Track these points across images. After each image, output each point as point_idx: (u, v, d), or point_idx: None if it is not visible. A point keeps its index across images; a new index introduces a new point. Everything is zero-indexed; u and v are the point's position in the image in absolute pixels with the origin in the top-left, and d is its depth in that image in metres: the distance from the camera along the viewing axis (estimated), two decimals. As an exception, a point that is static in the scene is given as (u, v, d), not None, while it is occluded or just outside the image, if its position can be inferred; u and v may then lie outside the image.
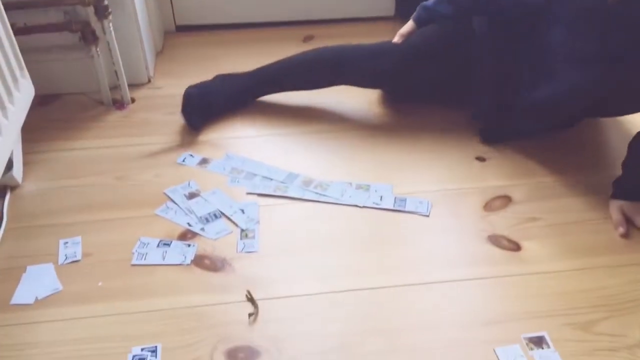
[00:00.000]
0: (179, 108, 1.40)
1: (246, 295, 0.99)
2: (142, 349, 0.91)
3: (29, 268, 1.03)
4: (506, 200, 1.16)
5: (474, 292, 0.99)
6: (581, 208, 1.15)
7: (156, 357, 0.90)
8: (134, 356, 0.90)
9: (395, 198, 1.17)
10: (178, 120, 1.38)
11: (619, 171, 1.15)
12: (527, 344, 0.91)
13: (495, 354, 0.90)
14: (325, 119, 1.39)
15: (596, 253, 1.06)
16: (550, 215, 1.13)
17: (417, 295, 0.99)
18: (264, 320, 0.95)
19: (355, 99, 1.44)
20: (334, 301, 0.98)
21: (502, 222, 1.12)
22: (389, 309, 0.97)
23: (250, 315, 0.95)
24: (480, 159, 1.27)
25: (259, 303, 0.97)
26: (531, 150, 1.28)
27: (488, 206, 1.15)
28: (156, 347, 0.91)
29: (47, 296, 0.99)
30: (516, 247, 1.07)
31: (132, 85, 1.48)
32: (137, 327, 0.94)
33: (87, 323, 0.95)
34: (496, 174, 1.23)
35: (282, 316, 0.96)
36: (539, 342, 0.91)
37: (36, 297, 0.98)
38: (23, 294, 0.99)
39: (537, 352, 0.90)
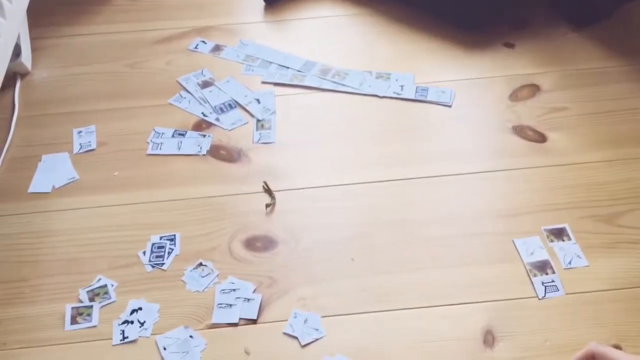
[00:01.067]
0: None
1: (263, 186, 0.98)
2: (160, 237, 0.92)
3: (44, 157, 1.02)
4: (534, 89, 1.11)
5: (495, 185, 0.97)
6: (614, 97, 1.10)
7: (175, 245, 0.91)
8: (153, 244, 0.91)
9: (416, 87, 1.12)
10: (189, 3, 1.31)
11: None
12: (547, 236, 0.90)
13: (514, 245, 0.89)
14: (344, 3, 1.31)
15: (625, 144, 1.02)
16: (580, 104, 1.08)
17: (437, 188, 0.97)
18: (281, 211, 0.95)
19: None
20: (351, 192, 0.97)
21: (529, 112, 1.07)
22: (408, 201, 0.96)
23: (267, 205, 0.95)
24: (509, 45, 1.20)
25: (276, 194, 0.97)
26: (563, 37, 1.21)
27: (514, 95, 1.10)
28: (175, 235, 0.92)
29: (64, 185, 0.99)
30: (542, 138, 1.03)
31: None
32: (155, 216, 0.95)
33: (105, 212, 0.95)
34: (525, 61, 1.16)
35: (299, 207, 0.95)
36: (559, 234, 0.90)
37: (53, 186, 0.99)
38: (40, 182, 0.99)
39: (557, 244, 0.89)
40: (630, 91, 1.11)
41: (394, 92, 1.12)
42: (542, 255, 0.88)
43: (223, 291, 0.86)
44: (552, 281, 0.86)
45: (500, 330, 0.81)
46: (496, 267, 0.88)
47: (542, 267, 0.87)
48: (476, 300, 0.84)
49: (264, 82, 1.15)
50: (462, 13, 1.22)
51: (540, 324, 0.82)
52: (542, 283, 0.86)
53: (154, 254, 0.90)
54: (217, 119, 1.08)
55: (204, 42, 1.23)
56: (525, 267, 0.87)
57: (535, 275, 0.86)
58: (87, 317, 0.83)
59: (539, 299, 0.84)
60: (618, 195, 0.95)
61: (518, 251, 0.89)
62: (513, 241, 0.90)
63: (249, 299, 0.85)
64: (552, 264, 0.87)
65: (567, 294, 0.84)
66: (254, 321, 0.83)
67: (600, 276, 0.86)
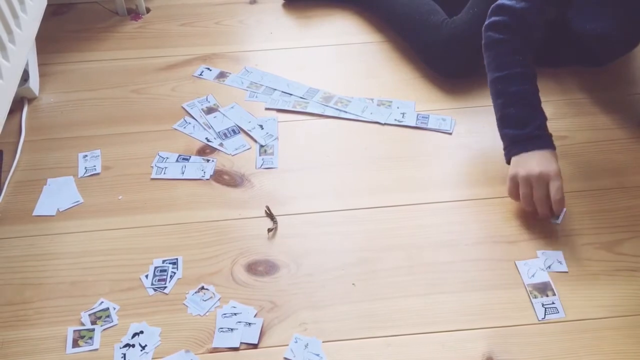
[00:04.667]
0: (195, 19, 1.36)
1: (265, 211, 0.99)
2: (163, 261, 0.92)
3: (49, 180, 1.04)
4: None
5: (495, 211, 0.98)
6: (612, 125, 1.11)
7: (177, 268, 0.91)
8: (155, 267, 0.91)
9: (417, 115, 1.14)
10: (194, 31, 1.34)
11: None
12: (544, 261, 0.91)
13: (516, 266, 0.90)
14: (347, 32, 1.34)
15: (624, 172, 1.03)
16: (579, 133, 1.10)
17: (438, 214, 0.98)
18: (283, 236, 0.96)
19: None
20: (352, 218, 0.98)
21: (528, 141, 1.08)
22: (409, 226, 0.97)
23: (269, 230, 0.96)
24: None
25: (278, 219, 0.97)
26: (562, 69, 1.23)
27: (514, 124, 1.12)
28: (177, 259, 0.92)
29: (69, 208, 1.00)
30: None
31: (147, -5, 1.43)
32: (158, 239, 0.95)
33: (109, 235, 0.96)
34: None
35: (301, 232, 0.96)
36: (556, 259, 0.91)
37: (58, 209, 1.00)
38: (45, 205, 1.00)
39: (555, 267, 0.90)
40: (628, 119, 1.12)
41: (396, 120, 1.13)
42: (542, 277, 0.89)
43: (224, 315, 0.86)
44: (552, 303, 0.86)
45: (500, 356, 0.81)
46: (496, 292, 0.88)
47: (543, 288, 0.88)
48: (476, 326, 0.84)
49: (267, 109, 1.16)
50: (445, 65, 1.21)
51: (540, 351, 0.82)
52: (542, 305, 0.86)
53: (157, 278, 0.90)
54: (221, 144, 1.10)
55: (208, 69, 1.25)
56: (526, 289, 0.88)
57: (535, 297, 0.87)
58: (88, 341, 0.83)
59: (539, 321, 0.84)
60: (618, 223, 0.96)
61: (519, 273, 0.89)
62: (515, 263, 0.91)
63: (250, 323, 0.85)
64: (553, 286, 0.88)
65: (567, 320, 0.85)
66: (255, 346, 0.83)
67: (600, 303, 0.86)
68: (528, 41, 0.99)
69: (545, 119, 0.97)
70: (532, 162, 0.92)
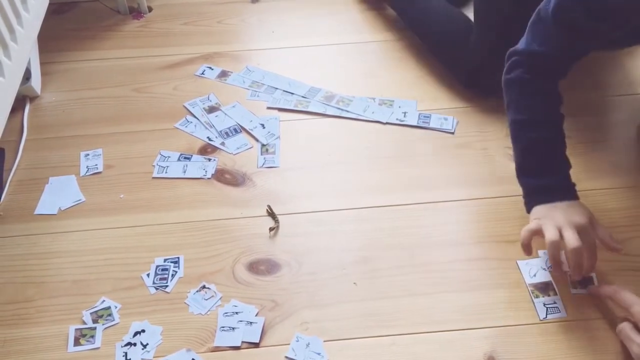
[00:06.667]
0: (197, 18, 1.36)
1: (267, 210, 0.99)
2: (164, 260, 0.92)
3: (51, 179, 1.04)
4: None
5: (497, 210, 0.98)
6: (613, 126, 1.11)
7: (179, 267, 0.91)
8: (157, 266, 0.92)
9: (419, 114, 1.14)
10: (196, 30, 1.34)
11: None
12: (546, 261, 0.90)
13: (518, 266, 0.90)
14: (349, 32, 1.33)
15: (625, 172, 1.03)
16: (580, 133, 1.09)
17: (439, 213, 0.98)
18: (284, 235, 0.96)
19: (380, 12, 1.37)
20: (354, 217, 0.98)
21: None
22: (411, 226, 0.97)
23: (271, 229, 0.96)
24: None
25: (280, 218, 0.97)
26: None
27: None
28: (178, 258, 0.93)
29: (70, 207, 1.00)
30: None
31: (149, -6, 1.43)
32: (160, 238, 0.95)
33: (111, 234, 0.96)
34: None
35: (303, 231, 0.96)
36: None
37: (59, 208, 1.00)
38: (47, 204, 1.00)
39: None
40: (630, 119, 1.12)
41: (397, 119, 1.13)
42: (544, 277, 0.89)
43: (226, 314, 0.86)
44: (554, 303, 0.86)
45: (502, 356, 0.81)
46: (498, 292, 0.88)
47: (544, 288, 0.88)
48: (478, 325, 0.84)
49: (269, 108, 1.16)
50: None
51: (542, 350, 0.82)
52: (544, 304, 0.86)
53: (158, 277, 0.90)
54: (223, 143, 1.10)
55: (210, 68, 1.25)
56: (528, 289, 0.88)
57: (537, 297, 0.87)
58: (90, 339, 0.84)
59: (541, 320, 0.84)
60: (620, 223, 0.96)
61: (521, 272, 0.89)
62: (516, 262, 0.90)
63: (251, 322, 0.85)
64: (554, 285, 0.88)
65: (569, 320, 0.85)
66: (256, 345, 0.83)
67: (602, 303, 0.86)
68: (552, 82, 0.91)
69: (570, 167, 0.89)
70: (558, 214, 0.84)
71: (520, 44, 0.92)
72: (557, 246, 0.82)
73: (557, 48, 0.88)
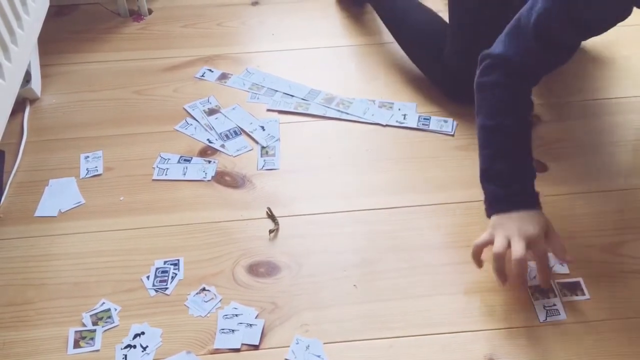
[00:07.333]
0: (197, 20, 1.36)
1: (267, 212, 0.99)
2: (164, 262, 0.92)
3: (51, 181, 1.04)
4: (534, 119, 1.13)
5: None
6: (612, 128, 1.11)
7: (179, 270, 0.91)
8: (156, 269, 0.91)
9: (419, 117, 1.14)
10: (196, 32, 1.34)
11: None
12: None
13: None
14: (349, 34, 1.34)
15: (624, 174, 1.03)
16: (579, 135, 1.10)
17: (439, 215, 0.98)
18: (284, 237, 0.96)
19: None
20: (354, 219, 0.98)
21: (529, 143, 1.09)
22: (410, 228, 0.97)
23: (270, 231, 0.96)
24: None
25: (280, 220, 0.97)
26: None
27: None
28: (178, 260, 0.92)
29: (70, 209, 1.00)
30: (543, 167, 1.04)
31: (149, -4, 1.43)
32: (160, 241, 0.95)
33: (111, 236, 0.96)
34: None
35: (303, 233, 0.96)
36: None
37: (59, 210, 1.00)
38: (47, 206, 1.00)
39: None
40: (629, 121, 1.12)
41: (397, 121, 1.13)
42: (544, 280, 0.89)
43: (226, 316, 0.86)
44: (554, 305, 0.86)
45: (502, 358, 0.81)
46: (497, 294, 0.88)
47: (544, 290, 0.88)
48: (478, 328, 0.84)
49: (269, 110, 1.16)
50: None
51: (541, 353, 0.82)
52: (544, 307, 0.86)
53: (158, 279, 0.90)
54: (223, 146, 1.10)
55: (210, 70, 1.25)
56: (528, 291, 0.87)
57: (537, 299, 0.87)
58: (90, 341, 0.83)
59: (541, 323, 0.84)
60: (620, 225, 0.96)
61: (521, 275, 0.89)
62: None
63: (251, 325, 0.85)
64: (554, 287, 0.88)
65: (568, 322, 0.84)
66: (256, 347, 0.83)
67: (602, 305, 0.86)
68: (525, 88, 0.90)
69: (533, 176, 0.88)
70: (511, 224, 0.84)
71: (496, 48, 0.90)
72: (501, 258, 0.82)
73: (534, 59, 0.88)
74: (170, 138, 1.11)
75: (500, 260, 0.83)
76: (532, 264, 0.90)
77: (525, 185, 0.87)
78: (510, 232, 0.83)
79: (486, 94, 0.90)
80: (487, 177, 0.89)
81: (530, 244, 0.82)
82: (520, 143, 0.89)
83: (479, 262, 0.87)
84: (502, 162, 0.87)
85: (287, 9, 1.40)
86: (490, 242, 0.84)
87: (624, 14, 0.82)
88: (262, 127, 1.13)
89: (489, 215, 0.88)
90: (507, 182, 0.87)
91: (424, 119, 1.13)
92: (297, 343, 0.83)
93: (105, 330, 0.85)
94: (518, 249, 0.81)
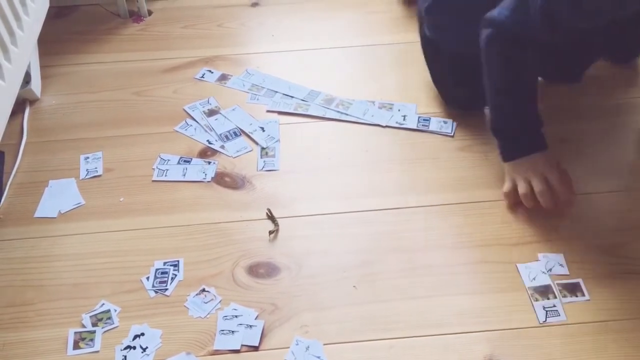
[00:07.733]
0: (197, 21, 1.36)
1: (266, 213, 0.99)
2: (164, 263, 0.92)
3: (51, 182, 1.04)
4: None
5: (497, 214, 0.98)
6: (613, 129, 1.11)
7: (178, 271, 0.91)
8: (156, 269, 0.91)
9: (419, 118, 1.14)
10: (196, 34, 1.34)
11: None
12: (545, 264, 0.90)
13: (517, 269, 0.90)
14: (349, 35, 1.34)
15: (626, 175, 1.03)
16: (580, 136, 1.10)
17: (439, 216, 0.98)
18: (284, 238, 0.96)
19: (379, 15, 1.38)
20: (354, 220, 0.98)
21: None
22: (410, 229, 0.96)
23: (270, 232, 0.96)
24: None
25: (280, 221, 0.97)
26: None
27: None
28: (178, 261, 0.92)
29: (70, 210, 1.00)
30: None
31: (149, -3, 1.43)
32: (159, 242, 0.95)
33: (110, 237, 0.96)
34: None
35: (302, 234, 0.96)
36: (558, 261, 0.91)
37: (59, 211, 1.00)
38: (46, 207, 1.00)
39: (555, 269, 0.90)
40: (630, 122, 1.12)
41: (397, 122, 1.13)
42: (543, 280, 0.89)
43: (225, 317, 0.86)
44: (554, 306, 0.86)
45: (502, 359, 0.81)
46: (497, 295, 0.88)
47: (544, 291, 0.88)
48: (478, 329, 0.84)
49: (268, 111, 1.16)
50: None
51: (541, 354, 0.82)
52: (544, 308, 0.86)
53: (158, 280, 0.90)
54: (222, 147, 1.10)
55: (210, 71, 1.25)
56: (527, 292, 0.87)
57: (537, 300, 0.87)
58: (89, 342, 0.83)
59: (540, 324, 0.84)
60: (620, 226, 0.96)
61: (520, 276, 0.89)
62: (516, 266, 0.90)
63: (251, 326, 0.85)
64: (554, 289, 0.88)
65: (568, 324, 0.84)
66: (255, 348, 0.83)
67: (602, 306, 0.86)
68: (526, 56, 0.96)
69: (541, 125, 0.98)
70: (527, 167, 0.96)
71: (501, 14, 0.94)
72: (529, 197, 0.96)
73: (538, 32, 0.91)
74: (170, 139, 1.11)
75: (530, 200, 0.95)
76: (532, 265, 0.90)
77: (534, 134, 0.98)
78: (528, 173, 0.96)
79: (492, 63, 0.97)
80: (500, 132, 1.01)
81: (546, 177, 0.95)
82: (528, 102, 0.98)
83: (515, 206, 0.98)
84: (513, 120, 0.99)
85: (286, 10, 1.40)
86: (514, 187, 0.97)
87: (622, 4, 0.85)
88: (262, 128, 1.13)
89: (505, 161, 0.99)
90: (518, 134, 0.98)
91: (424, 120, 1.13)
92: (297, 344, 0.83)
93: (105, 331, 0.84)
94: (539, 185, 0.94)
